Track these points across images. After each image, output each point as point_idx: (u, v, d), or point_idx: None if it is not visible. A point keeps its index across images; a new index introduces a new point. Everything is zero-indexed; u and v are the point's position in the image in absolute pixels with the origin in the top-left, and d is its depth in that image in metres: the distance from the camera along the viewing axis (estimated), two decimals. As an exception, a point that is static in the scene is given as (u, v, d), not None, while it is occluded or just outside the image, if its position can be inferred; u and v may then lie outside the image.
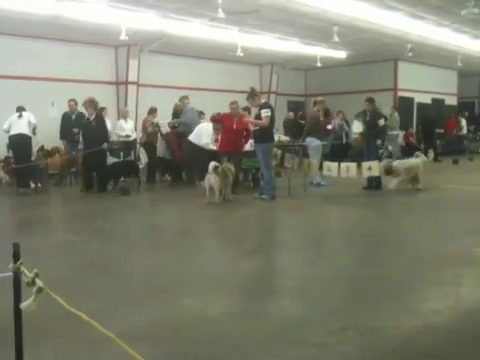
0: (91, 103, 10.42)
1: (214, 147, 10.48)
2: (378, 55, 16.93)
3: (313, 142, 10.91)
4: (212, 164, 8.59)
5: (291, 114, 17.00)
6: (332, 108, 14.96)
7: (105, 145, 10.43)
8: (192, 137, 11.04)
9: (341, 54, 16.60)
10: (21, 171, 10.13)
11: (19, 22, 10.91)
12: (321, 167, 10.31)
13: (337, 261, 5.29)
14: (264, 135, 8.98)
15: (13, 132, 10.13)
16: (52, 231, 7.15)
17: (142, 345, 2.79)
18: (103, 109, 12.33)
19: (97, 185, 10.43)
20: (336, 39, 12.42)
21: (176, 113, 12.23)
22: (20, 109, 10.61)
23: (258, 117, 9.08)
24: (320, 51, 15.85)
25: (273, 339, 3.21)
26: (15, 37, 12.36)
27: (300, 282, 4.45)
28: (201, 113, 12.44)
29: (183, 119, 11.82)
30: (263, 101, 9.37)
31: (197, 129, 10.99)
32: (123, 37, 11.39)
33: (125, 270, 4.88)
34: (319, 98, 11.67)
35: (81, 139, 10.83)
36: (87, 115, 10.62)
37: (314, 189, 10.46)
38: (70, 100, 11.76)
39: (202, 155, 10.68)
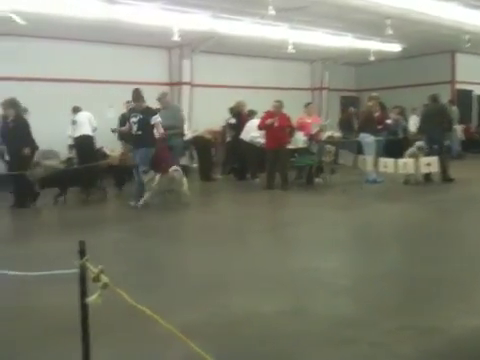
0: (5, 104, 8.55)
1: (262, 140, 10.54)
2: (434, 47, 16.37)
3: (366, 138, 10.70)
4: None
5: (351, 109, 16.56)
6: (386, 103, 14.60)
7: (26, 150, 8.36)
8: (242, 135, 11.20)
9: (395, 47, 16.20)
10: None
11: (75, 28, 11.29)
12: (377, 163, 10.13)
13: (394, 259, 5.19)
14: (146, 140, 8.53)
15: (77, 134, 11.04)
16: (104, 229, 7.28)
17: (197, 342, 2.83)
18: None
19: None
20: (390, 32, 12.13)
21: (236, 114, 12.07)
22: (76, 110, 11.25)
23: (144, 122, 8.50)
24: (373, 45, 15.53)
25: (327, 337, 3.20)
26: (73, 42, 12.77)
27: (354, 281, 4.40)
28: (253, 112, 12.44)
29: (177, 123, 10.47)
30: (146, 106, 8.76)
31: (247, 126, 11.18)
32: (176, 38, 11.58)
33: (177, 267, 4.99)
34: (374, 94, 11.52)
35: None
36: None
37: (370, 186, 10.28)
38: (127, 102, 12.07)
39: (254, 152, 10.78)
